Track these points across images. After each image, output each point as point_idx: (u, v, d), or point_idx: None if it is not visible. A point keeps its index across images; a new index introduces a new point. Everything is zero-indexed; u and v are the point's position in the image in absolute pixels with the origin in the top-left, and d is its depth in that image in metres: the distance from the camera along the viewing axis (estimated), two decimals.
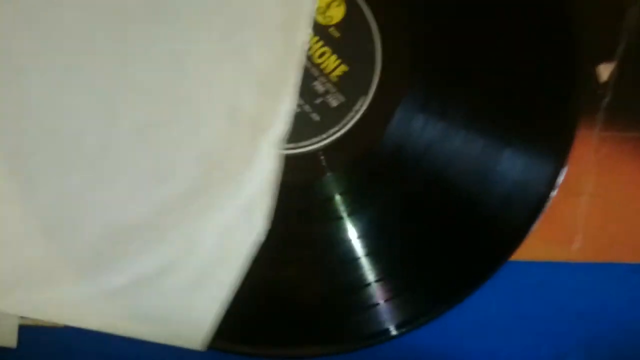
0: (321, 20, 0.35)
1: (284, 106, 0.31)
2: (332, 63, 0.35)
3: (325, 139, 0.34)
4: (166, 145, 0.30)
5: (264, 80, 0.31)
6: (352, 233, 0.34)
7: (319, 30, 0.35)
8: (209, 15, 0.32)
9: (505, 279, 0.35)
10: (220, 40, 0.32)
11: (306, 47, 0.33)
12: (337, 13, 0.35)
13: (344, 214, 0.34)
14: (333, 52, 0.35)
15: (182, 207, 0.30)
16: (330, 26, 0.35)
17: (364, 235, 0.34)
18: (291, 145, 0.34)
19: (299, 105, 0.34)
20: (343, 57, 0.35)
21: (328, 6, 0.35)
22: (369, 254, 0.34)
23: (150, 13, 0.31)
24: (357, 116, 0.35)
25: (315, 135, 0.34)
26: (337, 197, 0.34)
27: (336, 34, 0.35)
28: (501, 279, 0.34)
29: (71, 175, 0.30)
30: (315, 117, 0.35)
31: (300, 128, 0.34)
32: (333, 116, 0.35)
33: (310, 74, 0.34)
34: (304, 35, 0.32)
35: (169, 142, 0.30)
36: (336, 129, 0.35)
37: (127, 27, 0.31)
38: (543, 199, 0.34)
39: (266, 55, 0.32)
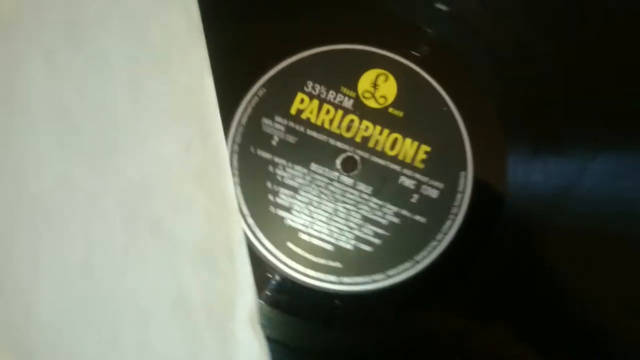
0: (374, 104, 0.28)
1: (242, 271, 0.25)
2: (409, 148, 0.28)
3: (439, 241, 0.27)
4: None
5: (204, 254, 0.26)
6: None
7: (377, 116, 0.28)
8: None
9: None
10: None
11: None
12: (389, 89, 0.28)
13: None
14: (405, 135, 0.28)
15: None
16: (387, 107, 0.28)
17: None
18: (407, 265, 0.27)
19: (395, 214, 0.27)
20: (419, 136, 0.28)
21: (375, 85, 0.28)
22: None
23: None
24: (466, 197, 0.27)
25: (430, 239, 0.27)
26: None
27: (398, 113, 0.28)
28: None
29: None
30: (421, 219, 0.27)
31: (410, 240, 0.27)
32: (440, 210, 0.28)
33: (391, 171, 0.28)
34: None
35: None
36: (449, 223, 0.27)
37: None
38: None
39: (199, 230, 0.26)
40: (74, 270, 0.25)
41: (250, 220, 0.27)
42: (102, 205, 0.26)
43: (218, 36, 0.27)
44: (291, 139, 0.28)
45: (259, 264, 0.27)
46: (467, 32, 0.28)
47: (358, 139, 0.28)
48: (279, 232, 0.27)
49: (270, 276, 0.27)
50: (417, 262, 0.27)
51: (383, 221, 0.27)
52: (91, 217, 0.26)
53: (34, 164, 0.26)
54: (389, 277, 0.27)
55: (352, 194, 0.28)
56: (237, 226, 0.26)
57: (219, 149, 0.26)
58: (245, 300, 0.25)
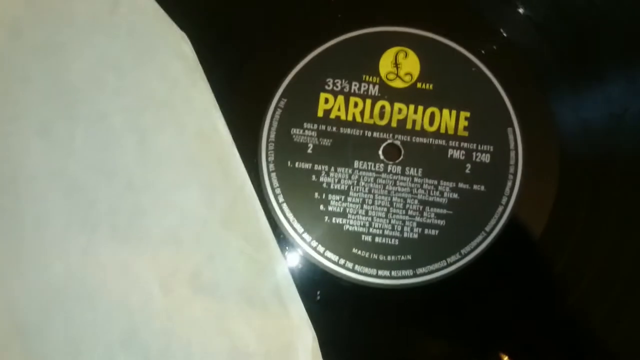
0: (400, 83, 0.27)
1: (295, 310, 0.25)
2: (449, 119, 0.27)
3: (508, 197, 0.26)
4: None
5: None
6: None
7: (407, 95, 0.27)
8: None
9: None
10: None
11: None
12: (412, 64, 0.27)
13: None
14: (441, 107, 0.27)
15: None
16: (414, 83, 0.27)
17: None
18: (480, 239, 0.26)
19: (453, 190, 0.26)
20: (455, 104, 0.27)
21: (396, 64, 0.27)
22: None
23: None
24: (520, 153, 0.26)
25: (495, 205, 0.26)
26: None
27: (428, 86, 0.27)
28: None
29: None
30: (480, 188, 0.26)
31: (474, 212, 0.26)
32: (496, 173, 0.26)
33: (436, 147, 0.27)
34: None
35: None
36: (509, 184, 0.26)
37: None
38: None
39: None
40: (119, 347, 0.25)
41: (307, 237, 0.26)
42: (135, 273, 0.25)
43: (222, 64, 0.26)
44: (326, 142, 0.26)
45: (329, 278, 0.26)
46: None
47: (394, 124, 0.27)
48: (341, 240, 0.26)
49: (347, 285, 0.26)
50: (488, 232, 0.26)
51: (442, 200, 0.26)
52: (127, 288, 0.25)
53: (53, 248, 0.25)
54: (464, 255, 0.26)
55: (403, 181, 0.26)
56: (280, 264, 0.25)
57: (244, 186, 0.25)
58: (305, 340, 0.24)
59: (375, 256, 0.26)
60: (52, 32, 0.26)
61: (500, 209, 0.26)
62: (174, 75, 0.26)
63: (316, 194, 0.26)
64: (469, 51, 0.27)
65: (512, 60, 0.27)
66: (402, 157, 0.26)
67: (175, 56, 0.26)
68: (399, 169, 0.26)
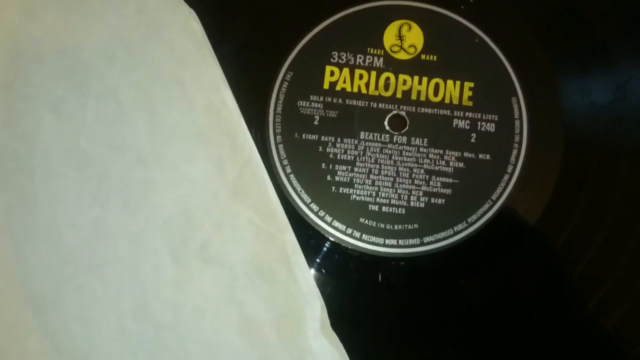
0: (405, 55, 0.27)
1: (304, 279, 0.25)
2: (453, 89, 0.27)
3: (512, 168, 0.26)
4: None
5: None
6: None
7: (412, 67, 0.27)
8: None
9: None
10: None
11: None
12: (416, 36, 0.27)
13: None
14: (445, 77, 0.27)
15: None
16: (419, 55, 0.27)
17: None
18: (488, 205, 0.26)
19: (458, 159, 0.26)
20: (459, 74, 0.27)
21: (400, 37, 0.27)
22: None
23: None
24: (524, 122, 0.26)
25: (501, 174, 0.26)
26: None
27: (432, 58, 0.27)
28: None
29: None
30: (485, 157, 0.26)
31: (480, 181, 0.26)
32: (501, 142, 0.26)
33: (441, 117, 0.27)
34: None
35: None
36: (514, 152, 0.26)
37: None
38: None
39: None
40: (130, 317, 0.25)
41: (315, 207, 0.26)
42: (147, 243, 0.25)
43: (230, 39, 0.27)
44: (332, 113, 0.27)
45: (337, 247, 0.26)
46: None
47: (399, 95, 0.27)
48: (348, 210, 0.26)
49: (355, 254, 0.26)
50: (494, 200, 0.26)
51: (448, 169, 0.26)
52: (138, 258, 0.25)
53: (66, 220, 0.25)
54: (471, 223, 0.26)
55: (409, 151, 0.27)
56: (288, 233, 0.25)
57: (251, 158, 0.25)
58: (314, 309, 0.24)
59: (383, 225, 0.26)
60: (65, 11, 0.26)
61: (506, 177, 0.26)
62: (183, 51, 0.26)
63: (323, 165, 0.26)
64: (471, 22, 0.27)
65: (515, 29, 0.27)
66: (407, 127, 0.27)
67: (184, 33, 0.26)
68: (404, 139, 0.27)
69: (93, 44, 0.26)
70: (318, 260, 0.26)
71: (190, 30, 0.26)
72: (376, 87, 0.27)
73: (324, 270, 0.26)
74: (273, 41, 0.27)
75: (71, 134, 0.26)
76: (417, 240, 0.26)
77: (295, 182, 0.26)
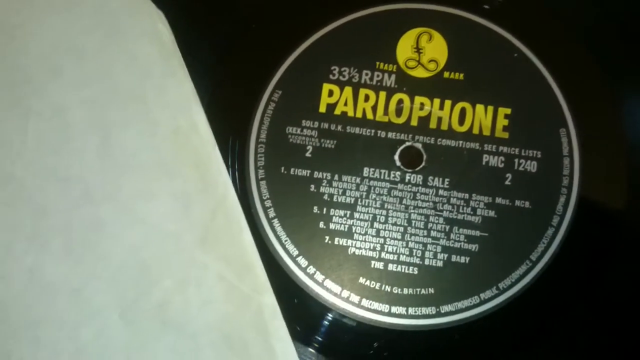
0: (423, 72, 0.24)
1: (284, 352, 0.22)
2: (484, 117, 0.23)
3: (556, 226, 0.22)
4: None
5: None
6: None
7: (431, 87, 0.23)
8: None
9: None
10: None
11: None
12: (438, 49, 0.24)
13: None
14: (474, 101, 0.23)
15: None
16: (441, 72, 0.24)
17: None
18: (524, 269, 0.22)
19: (488, 206, 0.22)
20: (492, 98, 0.23)
21: (418, 49, 0.24)
22: None
23: None
24: (576, 160, 0.23)
25: (544, 226, 0.22)
26: None
27: (457, 76, 0.24)
28: None
29: None
30: (524, 204, 0.23)
31: (516, 234, 0.22)
32: (545, 186, 0.23)
33: (468, 152, 0.23)
34: None
35: None
36: (562, 199, 0.23)
37: None
38: None
39: None
40: None
41: (303, 261, 0.23)
42: (91, 300, 0.23)
43: (205, 48, 0.24)
44: (329, 144, 0.24)
45: (328, 315, 0.23)
46: None
47: (414, 123, 0.23)
48: (344, 266, 0.23)
49: (351, 324, 0.23)
50: (534, 261, 0.22)
51: (474, 219, 0.23)
52: (80, 318, 0.23)
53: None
54: (503, 290, 0.22)
55: (425, 194, 0.23)
56: (267, 294, 0.22)
57: (226, 197, 0.23)
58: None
59: (388, 288, 0.23)
60: (2, 12, 0.24)
61: (550, 231, 0.22)
62: (146, 62, 0.24)
63: (315, 208, 0.23)
64: (509, 32, 0.23)
65: (565, 42, 0.23)
66: (423, 163, 0.23)
67: (148, 39, 0.24)
68: (419, 178, 0.23)
69: (36, 51, 0.24)
70: (304, 330, 0.23)
71: (157, 36, 0.24)
72: (385, 112, 0.23)
73: (312, 344, 0.23)
74: (258, 51, 0.24)
75: (5, 161, 0.24)
76: (432, 310, 0.22)
77: (279, 229, 0.23)
